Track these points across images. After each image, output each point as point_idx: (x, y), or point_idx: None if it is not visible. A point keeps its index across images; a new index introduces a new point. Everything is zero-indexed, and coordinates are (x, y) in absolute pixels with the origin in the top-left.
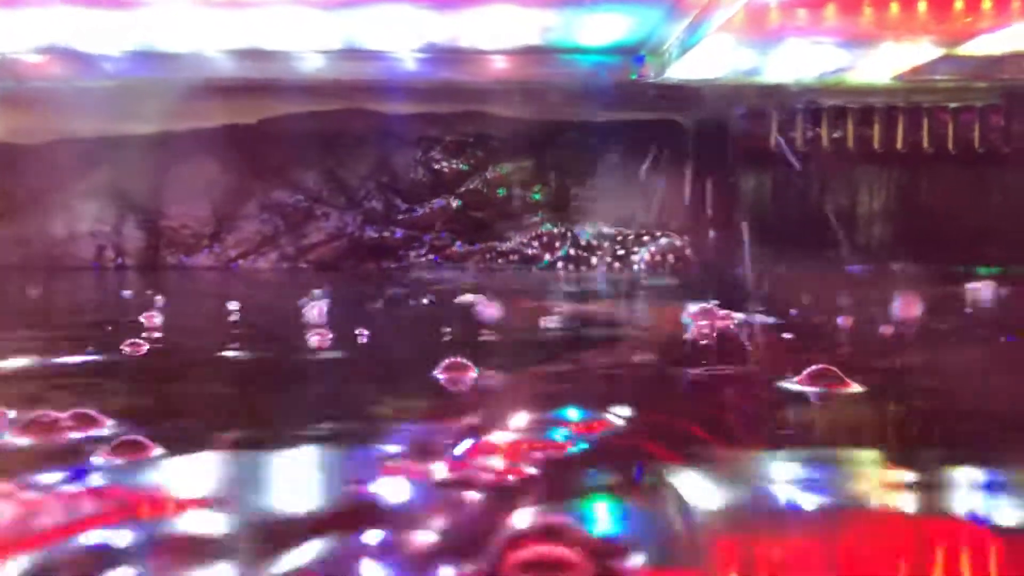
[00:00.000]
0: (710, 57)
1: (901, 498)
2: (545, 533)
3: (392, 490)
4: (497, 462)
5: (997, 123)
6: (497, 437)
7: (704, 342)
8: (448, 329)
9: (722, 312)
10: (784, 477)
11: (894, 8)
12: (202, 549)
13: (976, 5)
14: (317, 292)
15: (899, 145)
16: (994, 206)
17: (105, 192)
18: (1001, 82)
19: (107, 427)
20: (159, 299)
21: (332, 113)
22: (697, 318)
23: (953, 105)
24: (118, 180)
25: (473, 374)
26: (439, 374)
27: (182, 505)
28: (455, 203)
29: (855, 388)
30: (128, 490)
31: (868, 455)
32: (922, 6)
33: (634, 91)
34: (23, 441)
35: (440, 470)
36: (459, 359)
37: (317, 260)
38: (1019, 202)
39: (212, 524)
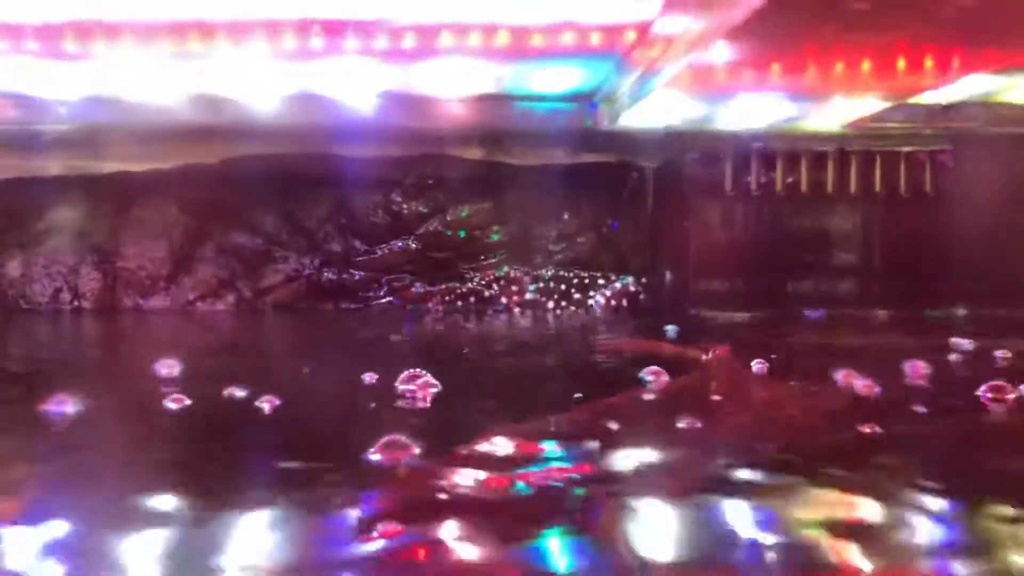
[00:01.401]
0: (661, 107)
1: None
2: None
3: None
4: None
5: (948, 168)
6: None
7: None
8: None
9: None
10: None
11: (838, 67)
12: None
13: (919, 65)
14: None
15: (853, 189)
16: (947, 249)
17: (62, 233)
18: (950, 129)
19: None
20: None
21: (290, 156)
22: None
23: (906, 149)
24: (75, 221)
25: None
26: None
27: None
28: (414, 245)
29: None
30: None
31: None
32: (866, 66)
33: (592, 134)
34: None
35: None
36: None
37: (275, 302)
38: (970, 245)
39: None
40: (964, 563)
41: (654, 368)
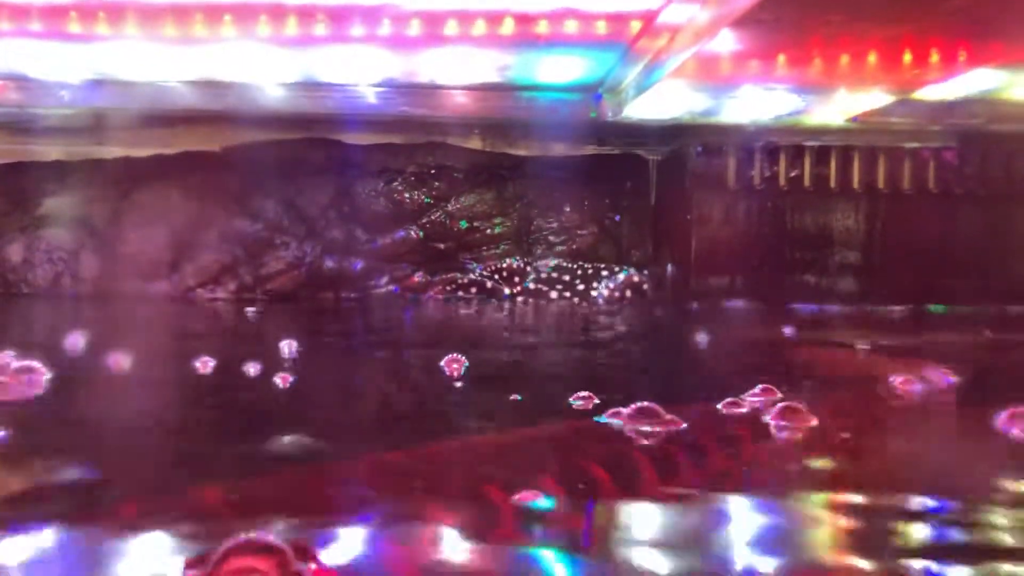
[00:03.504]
0: (666, 98)
1: None
2: None
3: None
4: None
5: (951, 165)
6: None
7: None
8: None
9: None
10: None
11: (844, 59)
12: None
13: (924, 58)
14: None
15: (856, 184)
16: (950, 245)
17: (63, 217)
18: (954, 126)
19: None
20: None
21: (293, 142)
22: None
23: (910, 146)
24: (76, 206)
25: None
26: None
27: None
28: (416, 234)
29: None
30: None
31: None
32: (871, 58)
33: (596, 126)
34: None
35: None
36: None
37: (275, 290)
38: (974, 242)
39: None
40: None
41: None
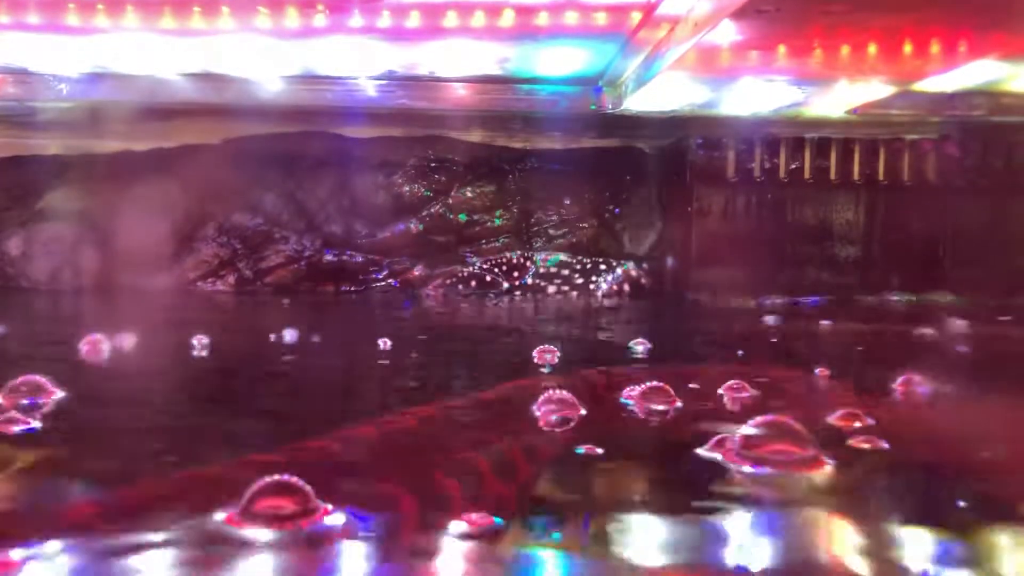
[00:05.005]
0: (666, 91)
1: None
2: None
3: None
4: None
5: (951, 156)
6: None
7: None
8: None
9: None
10: None
11: (844, 50)
12: None
13: (925, 49)
14: None
15: (856, 176)
16: (949, 238)
17: (62, 211)
18: (954, 117)
19: None
20: None
21: (292, 135)
22: None
23: (910, 137)
24: (76, 199)
25: None
26: None
27: None
28: (416, 227)
29: None
30: None
31: None
32: (872, 49)
33: (596, 119)
34: None
35: None
36: None
37: (275, 283)
38: (973, 233)
39: None
40: None
41: None
